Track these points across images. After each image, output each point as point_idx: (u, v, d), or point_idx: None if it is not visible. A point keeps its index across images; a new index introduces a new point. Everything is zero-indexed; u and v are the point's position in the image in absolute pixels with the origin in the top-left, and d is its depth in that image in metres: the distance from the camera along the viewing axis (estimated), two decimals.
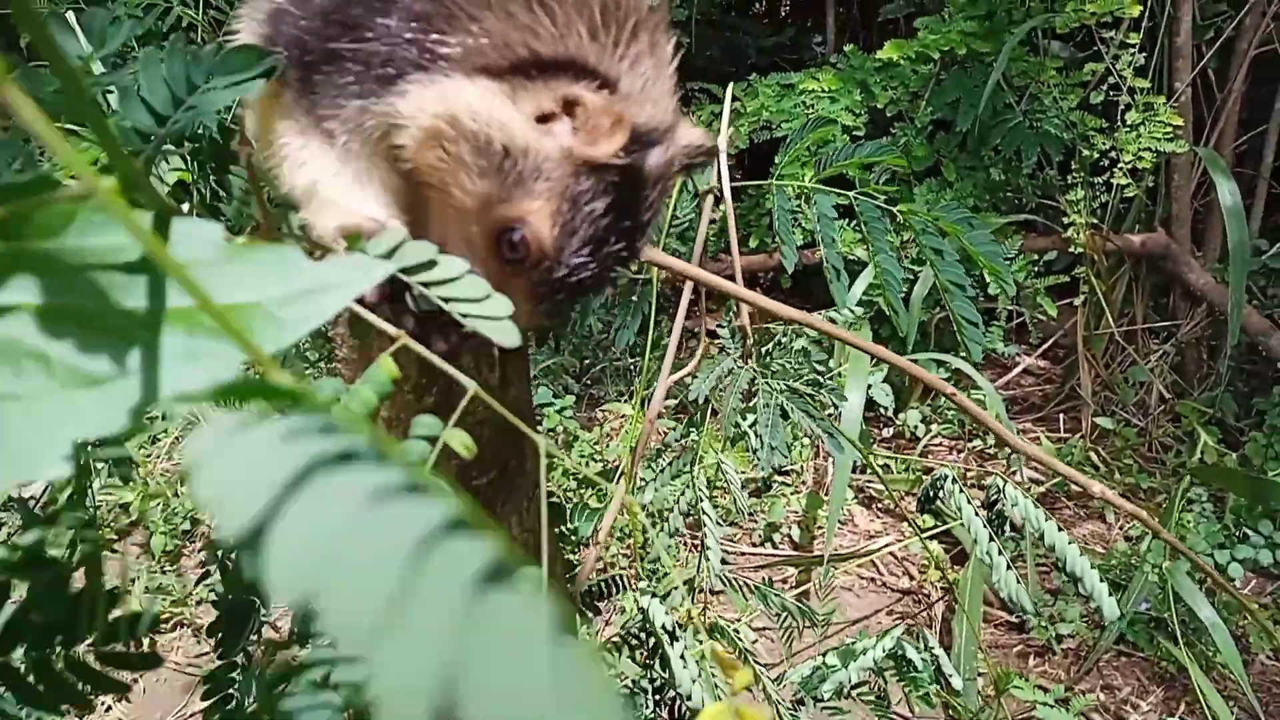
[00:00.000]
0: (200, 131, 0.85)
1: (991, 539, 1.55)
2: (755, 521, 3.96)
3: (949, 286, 1.33)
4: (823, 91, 4.32)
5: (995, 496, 1.57)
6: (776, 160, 1.38)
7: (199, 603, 3.46)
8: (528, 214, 0.75)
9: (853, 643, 1.85)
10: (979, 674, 3.15)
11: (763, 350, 1.45)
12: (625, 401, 4.23)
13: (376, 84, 0.76)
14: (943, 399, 4.46)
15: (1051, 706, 2.92)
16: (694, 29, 5.22)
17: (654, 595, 1.36)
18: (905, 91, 4.32)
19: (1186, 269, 4.41)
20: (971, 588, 3.33)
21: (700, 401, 1.43)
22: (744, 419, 1.44)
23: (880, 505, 4.04)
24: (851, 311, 1.56)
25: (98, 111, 0.43)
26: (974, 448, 4.32)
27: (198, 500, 0.28)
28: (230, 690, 1.14)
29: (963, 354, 4.33)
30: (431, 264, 0.64)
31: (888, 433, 4.37)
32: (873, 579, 3.78)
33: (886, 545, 3.83)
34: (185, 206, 1.22)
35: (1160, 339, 4.59)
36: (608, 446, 3.99)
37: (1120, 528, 3.97)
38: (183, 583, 3.48)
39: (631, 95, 0.77)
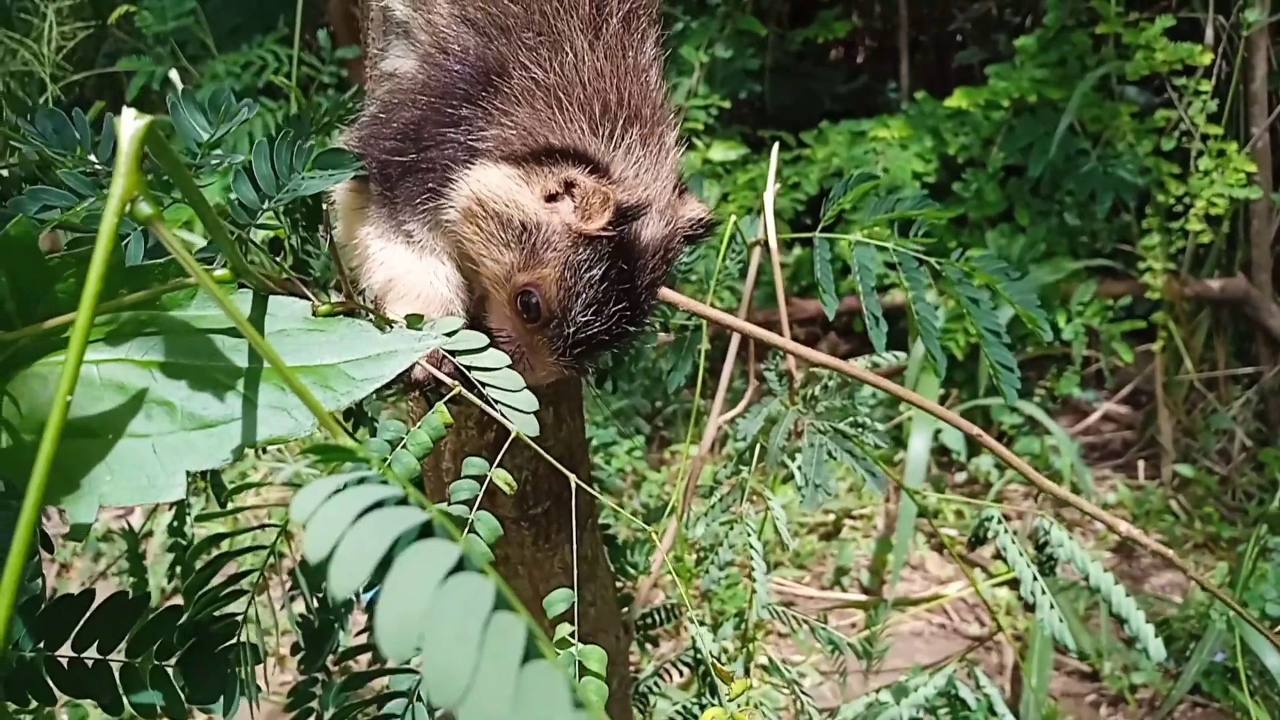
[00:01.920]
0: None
1: (1035, 578, 1.59)
2: (825, 565, 3.99)
3: (984, 334, 1.39)
4: (894, 139, 4.39)
5: (1044, 539, 1.62)
6: (821, 215, 1.46)
7: (284, 632, 3.62)
8: (539, 280, 0.89)
9: (907, 680, 1.89)
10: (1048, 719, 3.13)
11: (808, 394, 1.53)
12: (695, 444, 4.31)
13: (439, 184, 0.90)
14: (1016, 443, 4.45)
15: None
16: (767, 77, 5.35)
17: (703, 624, 1.44)
18: (977, 138, 4.37)
19: (1268, 315, 4.34)
20: (1043, 635, 3.31)
21: (749, 442, 1.51)
22: (791, 459, 1.51)
23: (953, 551, 4.03)
24: (896, 357, 1.63)
25: (224, 235, 0.54)
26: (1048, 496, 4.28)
27: (310, 559, 0.38)
28: (311, 704, 1.25)
29: (1037, 399, 4.32)
30: (478, 351, 0.75)
31: (960, 478, 4.36)
32: (943, 624, 3.78)
33: (957, 592, 3.83)
34: (280, 257, 1.36)
35: (1242, 385, 4.52)
36: (675, 486, 4.06)
37: (1200, 575, 3.90)
38: (269, 611, 3.63)
39: (623, 178, 0.90)
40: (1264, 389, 4.50)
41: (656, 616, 1.55)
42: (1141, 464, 4.53)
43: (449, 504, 0.71)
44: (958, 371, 4.42)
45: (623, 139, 0.90)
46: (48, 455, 0.41)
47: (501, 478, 0.73)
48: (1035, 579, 1.60)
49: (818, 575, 3.99)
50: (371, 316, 0.83)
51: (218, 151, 0.84)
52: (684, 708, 1.57)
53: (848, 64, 6.44)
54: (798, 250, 4.64)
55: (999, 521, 1.65)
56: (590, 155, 0.88)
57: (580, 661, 0.73)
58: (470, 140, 0.90)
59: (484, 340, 0.78)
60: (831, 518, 4.26)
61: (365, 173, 0.91)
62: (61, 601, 0.70)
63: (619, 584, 1.72)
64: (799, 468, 1.48)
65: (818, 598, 3.87)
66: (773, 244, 1.50)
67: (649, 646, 1.73)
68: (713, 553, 1.56)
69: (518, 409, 0.74)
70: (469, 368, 0.75)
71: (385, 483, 0.41)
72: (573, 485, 0.85)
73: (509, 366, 0.79)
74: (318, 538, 0.38)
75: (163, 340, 0.54)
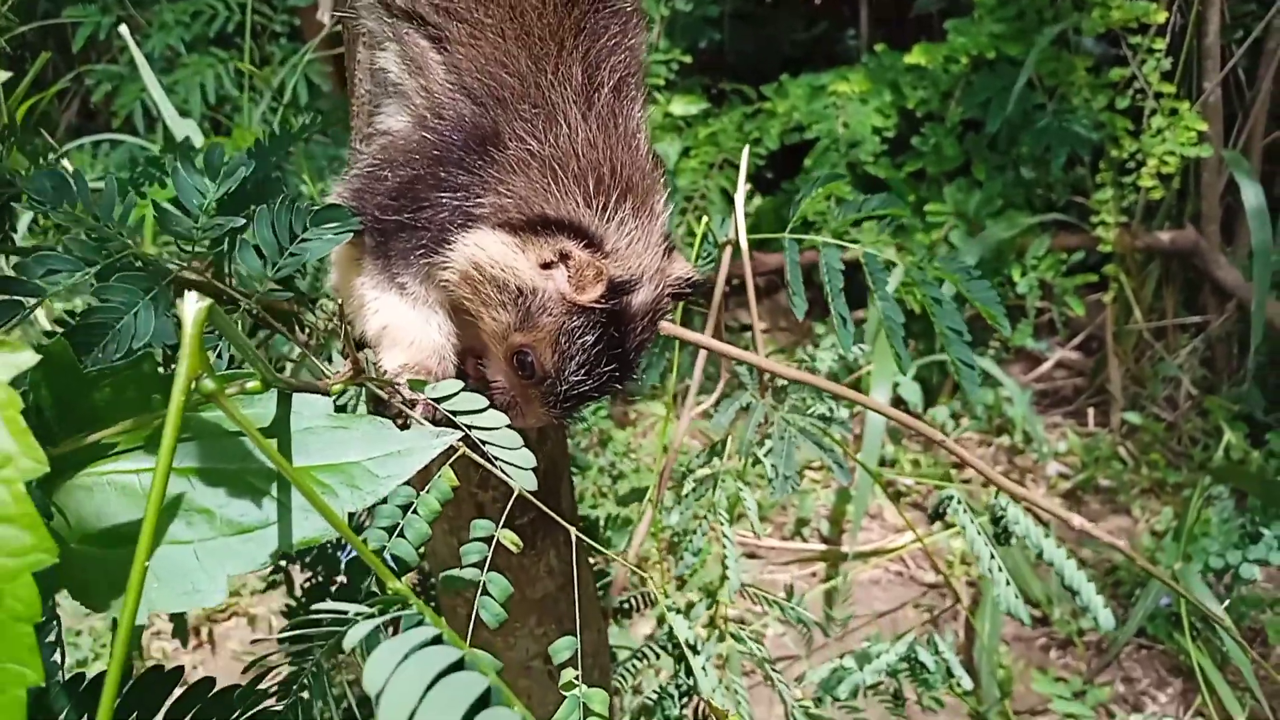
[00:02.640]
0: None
1: (992, 556, 1.67)
2: (786, 516, 4.09)
3: (947, 333, 1.45)
4: (853, 93, 4.41)
5: (1000, 514, 1.70)
6: (789, 216, 1.50)
7: (252, 592, 3.66)
8: (534, 342, 0.95)
9: (869, 645, 1.98)
10: (1000, 666, 3.27)
11: (778, 385, 1.58)
12: (659, 400, 4.37)
13: (434, 244, 0.94)
14: (963, 398, 4.55)
15: (1068, 699, 3.04)
16: (727, 24, 5.32)
17: (678, 611, 1.50)
18: (936, 92, 4.40)
19: (1215, 265, 4.46)
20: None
21: (723, 433, 1.57)
22: (761, 446, 1.57)
23: (908, 501, 4.15)
24: (862, 351, 1.68)
25: (253, 353, 0.58)
26: (1002, 443, 4.42)
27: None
28: None
29: (991, 352, 4.42)
30: (478, 411, 0.80)
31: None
32: (900, 572, 3.91)
33: (913, 541, 3.95)
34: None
35: (1190, 334, 4.65)
36: (640, 445, 4.14)
37: (1146, 521, 4.05)
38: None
39: (616, 251, 0.94)
40: (1210, 338, 4.63)
41: (634, 602, 1.62)
42: (1091, 411, 4.67)
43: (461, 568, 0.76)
44: (915, 324, 4.50)
45: (616, 212, 0.94)
46: (140, 569, 0.44)
47: (508, 538, 0.78)
48: (992, 557, 1.68)
49: (779, 526, 4.10)
50: (374, 370, 0.86)
51: (218, 220, 0.86)
52: (659, 688, 1.64)
53: (807, 8, 6.41)
54: (758, 200, 4.68)
55: (958, 501, 1.72)
56: (584, 228, 0.92)
57: (584, 704, 0.78)
58: (466, 206, 0.93)
59: (483, 402, 0.82)
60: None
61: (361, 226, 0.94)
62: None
63: (593, 560, 1.79)
64: (768, 458, 1.54)
65: (779, 548, 3.98)
66: (743, 244, 1.54)
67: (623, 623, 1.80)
68: (687, 539, 1.62)
69: (518, 465, 0.78)
70: (470, 427, 0.79)
71: (423, 621, 0.45)
72: (564, 493, 0.90)
73: (503, 412, 0.84)
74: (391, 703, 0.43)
75: (197, 446, 0.57)
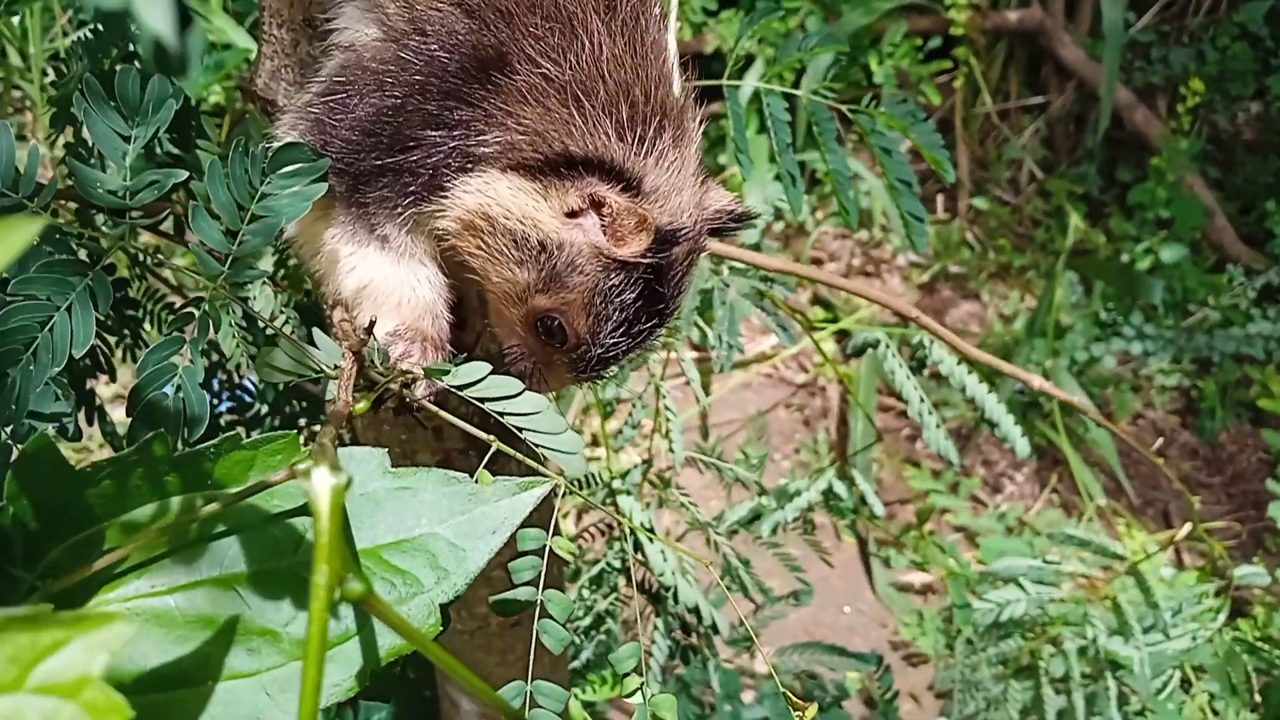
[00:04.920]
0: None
1: (922, 400, 1.67)
2: None
3: (896, 184, 1.36)
4: None
5: (924, 353, 1.69)
6: (727, 57, 1.34)
7: None
8: (563, 305, 0.79)
9: (787, 484, 1.98)
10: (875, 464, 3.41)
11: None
12: None
13: (425, 190, 0.75)
14: (827, 188, 4.54)
15: (943, 493, 3.20)
16: None
17: (626, 494, 1.43)
18: None
19: (1059, 44, 4.49)
20: (865, 380, 3.54)
21: None
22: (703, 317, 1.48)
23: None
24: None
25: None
26: (860, 239, 4.46)
27: None
28: None
29: (851, 145, 4.39)
30: (512, 397, 0.66)
31: (779, 227, 4.45)
32: (769, 374, 3.97)
33: (783, 353, 3.99)
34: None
35: (1032, 115, 4.73)
36: None
37: (995, 305, 4.22)
38: None
39: (656, 192, 0.78)
40: (1051, 117, 4.73)
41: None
42: (940, 198, 4.75)
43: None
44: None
45: (655, 144, 0.76)
46: None
47: (564, 547, 0.66)
48: (922, 400, 1.67)
49: None
50: (354, 335, 0.70)
51: (153, 176, 0.65)
52: (606, 564, 1.59)
53: None
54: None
55: (886, 346, 1.69)
56: (619, 167, 0.74)
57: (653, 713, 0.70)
58: (466, 145, 0.74)
59: (517, 386, 0.68)
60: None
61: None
62: None
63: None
64: (713, 329, 1.45)
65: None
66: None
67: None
68: (629, 416, 1.54)
69: (564, 452, 0.66)
70: (500, 413, 0.66)
71: None
72: None
73: (520, 379, 0.71)
74: None
75: (240, 542, 0.43)
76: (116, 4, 0.90)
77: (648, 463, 1.59)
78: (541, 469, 0.94)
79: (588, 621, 1.62)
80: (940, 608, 3.10)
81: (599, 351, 0.79)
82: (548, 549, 0.67)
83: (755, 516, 2.05)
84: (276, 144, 0.69)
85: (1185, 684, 2.27)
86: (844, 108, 1.36)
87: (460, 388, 0.68)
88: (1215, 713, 2.42)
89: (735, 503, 2.00)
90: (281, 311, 0.97)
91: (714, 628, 1.55)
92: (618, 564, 1.57)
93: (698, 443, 2.05)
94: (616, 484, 1.44)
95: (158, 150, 0.86)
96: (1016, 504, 3.47)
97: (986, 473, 3.55)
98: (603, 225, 0.77)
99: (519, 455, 0.70)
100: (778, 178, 1.33)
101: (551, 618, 0.66)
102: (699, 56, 4.17)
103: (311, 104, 0.76)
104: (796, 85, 1.39)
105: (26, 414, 0.62)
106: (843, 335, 3.98)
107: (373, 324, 0.72)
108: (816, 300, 4.29)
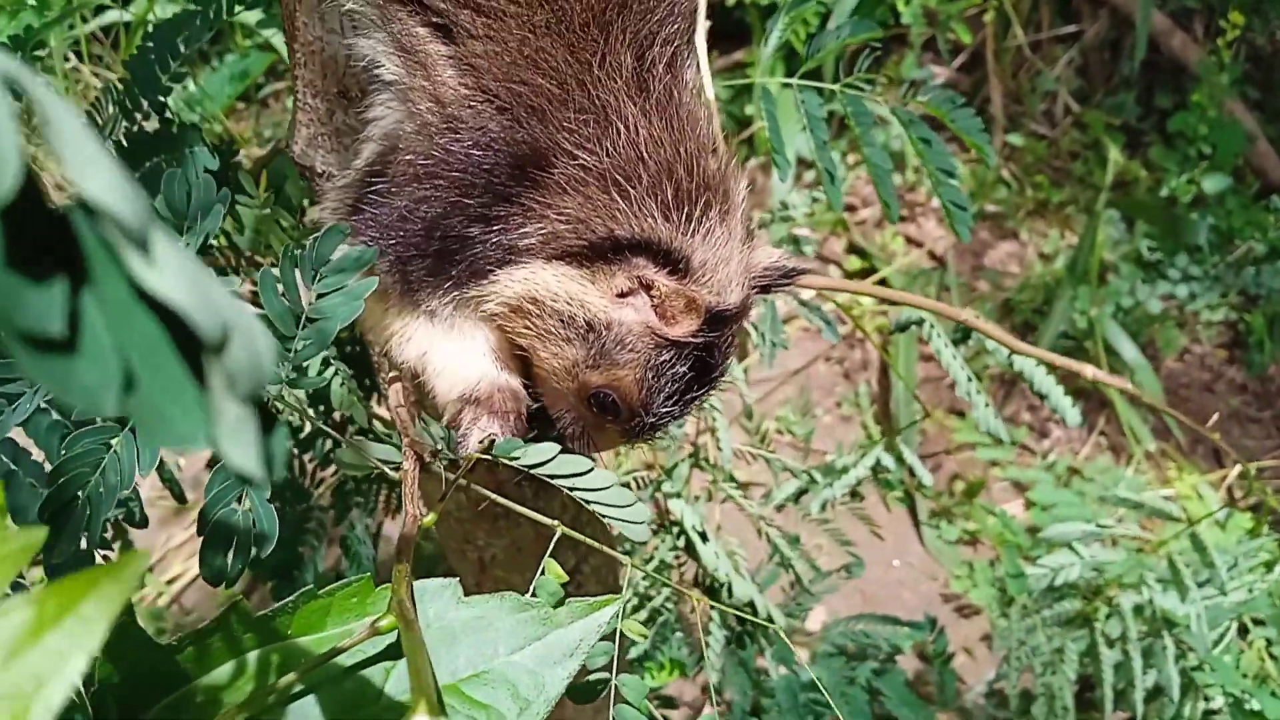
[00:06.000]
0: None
1: (969, 379, 1.65)
2: None
3: (937, 174, 1.33)
4: None
5: (960, 335, 1.68)
6: (759, 52, 1.32)
7: None
8: (616, 382, 0.79)
9: (833, 460, 1.99)
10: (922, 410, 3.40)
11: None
12: None
13: (467, 276, 0.75)
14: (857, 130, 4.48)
15: (989, 445, 3.19)
16: None
17: (678, 496, 1.44)
18: None
19: None
20: (905, 344, 3.51)
21: None
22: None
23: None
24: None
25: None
26: (894, 180, 4.38)
27: None
28: None
29: (880, 89, 4.31)
30: (583, 474, 0.66)
31: (809, 176, 4.40)
32: (806, 329, 3.94)
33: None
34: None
35: (1065, 46, 4.61)
36: None
37: (1034, 244, 4.15)
38: None
39: (705, 267, 0.77)
40: (1085, 46, 4.60)
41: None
42: None
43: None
44: None
45: (702, 221, 0.75)
46: None
47: (635, 630, 0.67)
48: (970, 380, 1.66)
49: None
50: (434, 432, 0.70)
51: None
52: (662, 561, 1.61)
53: None
54: None
55: (932, 326, 1.68)
56: (666, 247, 0.74)
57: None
58: (506, 239, 0.73)
59: (588, 464, 0.68)
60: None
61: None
62: None
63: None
64: (756, 328, 1.44)
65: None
66: (708, 85, 1.36)
67: None
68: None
69: (631, 522, 0.66)
70: (571, 489, 0.67)
71: None
72: None
73: (571, 442, 0.71)
74: None
75: (319, 704, 0.43)
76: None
77: (694, 457, 1.60)
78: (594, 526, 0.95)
79: (644, 616, 1.64)
80: (989, 558, 3.10)
81: (651, 420, 0.80)
82: (619, 633, 0.68)
83: (803, 491, 2.06)
84: (318, 236, 0.68)
85: (1242, 630, 2.27)
86: (882, 101, 1.33)
87: (531, 467, 0.68)
88: (1273, 658, 2.42)
89: (782, 481, 2.01)
90: (343, 384, 0.98)
91: (770, 619, 1.56)
92: (670, 558, 1.58)
93: (742, 422, 2.05)
94: (667, 487, 1.45)
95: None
96: (1064, 449, 3.44)
97: (1032, 418, 3.53)
98: (653, 305, 0.76)
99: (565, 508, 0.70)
100: (813, 172, 1.31)
101: (628, 703, 0.67)
102: (719, 5, 4.09)
103: (349, 189, 0.76)
104: (823, 26, 1.34)
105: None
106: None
107: (422, 405, 0.72)
108: (852, 249, 4.25)
